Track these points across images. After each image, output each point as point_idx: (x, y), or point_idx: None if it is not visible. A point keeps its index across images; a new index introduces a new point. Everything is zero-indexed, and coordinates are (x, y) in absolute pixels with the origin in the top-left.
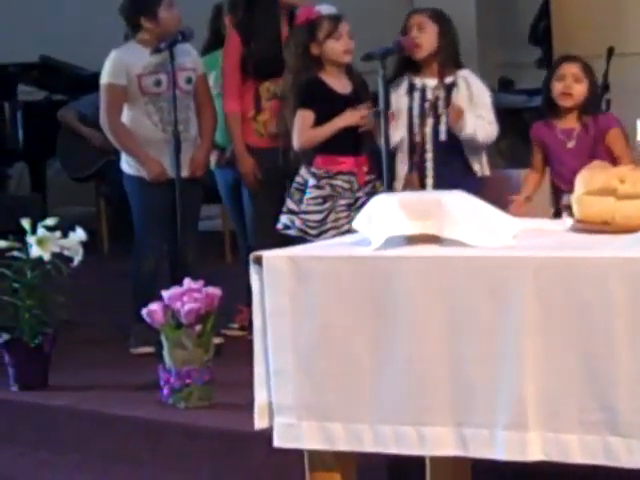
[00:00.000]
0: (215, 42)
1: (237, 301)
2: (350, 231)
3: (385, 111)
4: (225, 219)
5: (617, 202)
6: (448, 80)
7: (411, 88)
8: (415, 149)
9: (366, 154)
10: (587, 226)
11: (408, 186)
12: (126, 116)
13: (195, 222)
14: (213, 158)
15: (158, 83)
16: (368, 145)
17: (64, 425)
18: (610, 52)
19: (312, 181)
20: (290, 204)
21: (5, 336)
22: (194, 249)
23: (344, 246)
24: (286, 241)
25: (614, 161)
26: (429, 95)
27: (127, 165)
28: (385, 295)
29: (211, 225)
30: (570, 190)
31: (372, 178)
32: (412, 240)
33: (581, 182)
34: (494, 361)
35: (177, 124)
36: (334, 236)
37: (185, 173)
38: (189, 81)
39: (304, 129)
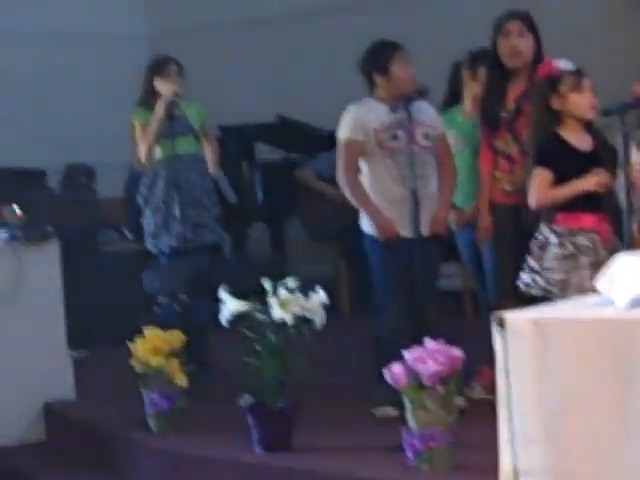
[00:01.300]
0: (453, 99)
1: (478, 361)
2: (594, 290)
3: (626, 168)
4: (465, 278)
5: None
6: None
7: None
8: None
9: (608, 211)
10: None
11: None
12: (364, 171)
13: (434, 281)
14: (453, 218)
15: (395, 137)
16: (610, 202)
17: None
18: None
19: (554, 239)
20: (531, 262)
21: (248, 399)
22: (434, 308)
23: (587, 307)
24: (528, 298)
25: None
26: None
27: (366, 224)
28: (632, 358)
29: (451, 284)
30: None
31: (614, 238)
32: None
33: None
34: None
35: (416, 179)
36: (577, 295)
37: (425, 231)
38: (426, 137)
39: (541, 189)
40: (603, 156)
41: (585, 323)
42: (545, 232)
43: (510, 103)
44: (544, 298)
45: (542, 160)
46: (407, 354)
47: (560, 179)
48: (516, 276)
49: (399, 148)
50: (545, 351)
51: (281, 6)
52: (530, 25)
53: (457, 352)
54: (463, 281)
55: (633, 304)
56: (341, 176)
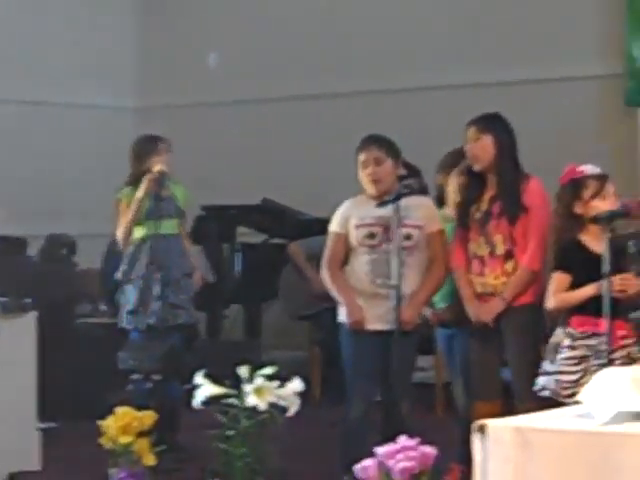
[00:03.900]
0: (440, 201)
1: (447, 457)
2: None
3: (609, 274)
4: (438, 371)
5: None
6: None
7: None
8: None
9: (625, 317)
10: None
11: None
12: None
13: (407, 375)
14: (429, 315)
15: (372, 236)
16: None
17: None
18: None
19: (567, 341)
20: (546, 365)
21: None
22: (407, 401)
23: (569, 418)
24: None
25: None
26: None
27: (341, 314)
28: (610, 471)
29: (424, 377)
30: None
31: (629, 342)
32: None
33: None
34: None
35: (394, 277)
36: None
37: (388, 326)
38: (408, 237)
39: (557, 292)
40: (621, 262)
41: (566, 434)
42: (559, 335)
43: (484, 206)
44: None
45: (562, 265)
46: (379, 449)
47: (579, 284)
48: (493, 376)
49: (375, 246)
50: (524, 458)
51: (272, 89)
52: (486, 127)
53: (430, 450)
54: (437, 374)
55: (615, 419)
56: (323, 266)
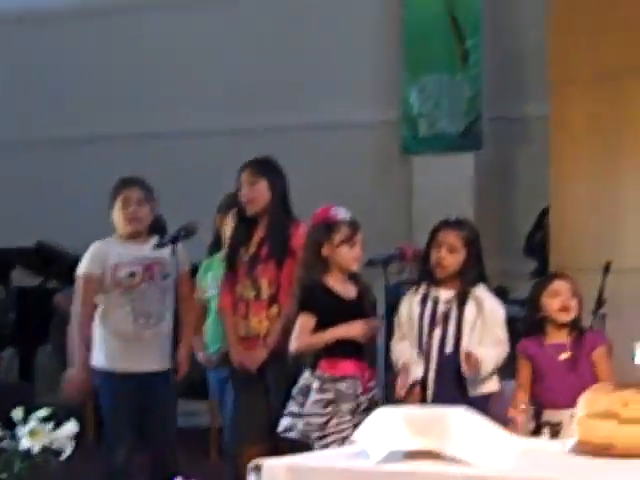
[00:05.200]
0: (217, 243)
1: None
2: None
3: (386, 318)
4: (212, 415)
5: (619, 426)
6: (462, 295)
7: (425, 297)
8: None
9: (368, 360)
10: (588, 449)
11: (410, 397)
12: (100, 305)
13: (170, 417)
14: (202, 358)
15: (132, 275)
16: (372, 349)
17: None
18: (607, 267)
19: (316, 384)
20: (292, 407)
21: None
22: (172, 445)
23: (344, 458)
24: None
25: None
26: (441, 307)
27: (95, 359)
28: None
29: (199, 421)
30: (552, 406)
31: (374, 384)
32: (413, 455)
33: (584, 404)
34: None
35: (149, 317)
36: (335, 441)
37: (154, 367)
38: (165, 277)
39: (302, 334)
40: (366, 305)
41: (339, 473)
42: (308, 378)
43: (252, 248)
44: (302, 443)
45: (306, 305)
46: None
47: (323, 325)
48: (259, 420)
49: (135, 286)
50: None
51: (39, 131)
52: (260, 171)
53: None
54: (211, 418)
55: (387, 457)
56: (75, 308)
